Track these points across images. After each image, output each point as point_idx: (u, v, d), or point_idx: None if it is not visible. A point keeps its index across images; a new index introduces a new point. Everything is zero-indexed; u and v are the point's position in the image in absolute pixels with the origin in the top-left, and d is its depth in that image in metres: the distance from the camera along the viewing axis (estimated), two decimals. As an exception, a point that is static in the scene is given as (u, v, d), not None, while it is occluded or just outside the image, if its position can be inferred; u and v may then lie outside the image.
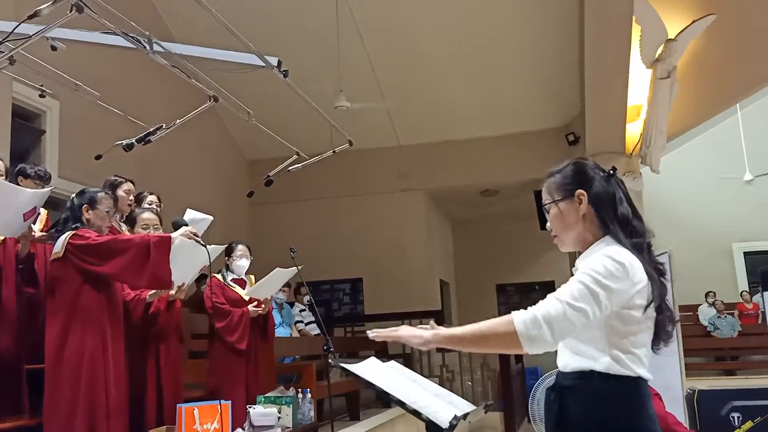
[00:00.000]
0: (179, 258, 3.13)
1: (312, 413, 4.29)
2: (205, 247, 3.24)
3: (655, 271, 1.55)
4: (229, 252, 4.41)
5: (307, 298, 7.74)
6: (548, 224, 1.69)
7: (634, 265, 1.50)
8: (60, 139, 6.18)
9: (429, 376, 8.80)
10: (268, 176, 4.12)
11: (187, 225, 3.26)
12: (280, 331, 6.42)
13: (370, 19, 7.94)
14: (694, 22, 7.27)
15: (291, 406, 4.04)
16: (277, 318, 6.43)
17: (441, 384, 8.86)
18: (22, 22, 2.29)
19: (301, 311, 7.30)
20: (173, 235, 3.14)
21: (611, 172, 1.65)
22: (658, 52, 7.61)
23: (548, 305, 1.45)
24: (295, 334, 6.86)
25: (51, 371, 2.89)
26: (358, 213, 9.88)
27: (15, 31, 2.55)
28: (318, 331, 7.57)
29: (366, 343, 8.17)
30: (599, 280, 1.46)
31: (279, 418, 3.86)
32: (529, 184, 9.93)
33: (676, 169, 11.17)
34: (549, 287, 12.61)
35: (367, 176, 9.91)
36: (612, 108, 8.17)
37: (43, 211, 3.99)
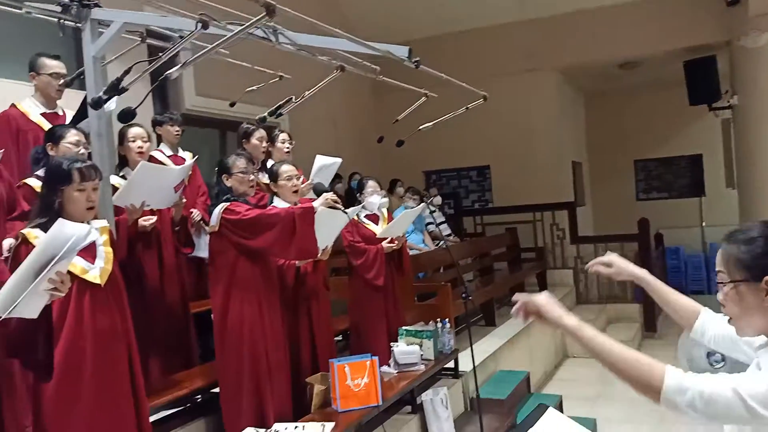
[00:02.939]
0: (322, 224, 3.21)
1: (452, 342, 4.46)
2: (346, 213, 3.31)
3: None
4: (360, 188, 4.47)
5: (436, 199, 7.78)
6: (720, 296, 1.42)
7: None
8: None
9: (563, 267, 8.75)
10: (399, 138, 4.00)
11: (327, 191, 3.31)
12: (413, 238, 6.59)
13: None
14: None
15: (432, 339, 4.23)
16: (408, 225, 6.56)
17: (575, 275, 8.68)
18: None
19: (431, 212, 7.37)
20: (315, 204, 3.20)
21: None
22: None
23: (718, 388, 1.24)
24: (427, 239, 6.99)
25: (218, 337, 3.20)
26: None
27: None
28: (449, 231, 7.68)
29: (496, 242, 8.16)
30: None
31: (421, 354, 4.07)
32: (677, 54, 8.87)
33: None
34: (696, 162, 11.65)
35: (491, 57, 9.31)
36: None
37: (188, 156, 4.22)
